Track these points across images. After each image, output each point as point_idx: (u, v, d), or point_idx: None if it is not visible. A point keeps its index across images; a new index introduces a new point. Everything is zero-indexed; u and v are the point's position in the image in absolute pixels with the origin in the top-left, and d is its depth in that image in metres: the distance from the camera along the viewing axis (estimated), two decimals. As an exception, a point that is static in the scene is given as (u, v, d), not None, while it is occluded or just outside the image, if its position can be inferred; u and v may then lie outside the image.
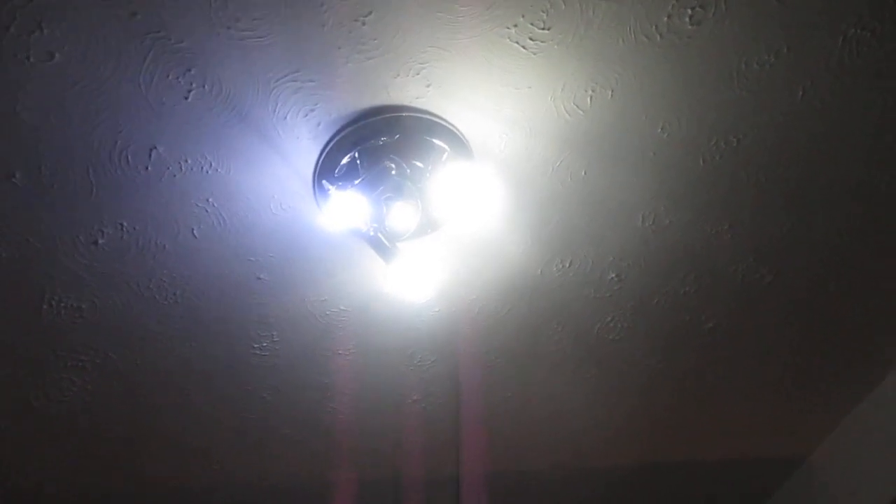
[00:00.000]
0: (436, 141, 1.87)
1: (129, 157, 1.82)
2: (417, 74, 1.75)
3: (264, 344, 2.41)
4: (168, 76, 1.67)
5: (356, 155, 1.86)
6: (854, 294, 2.54)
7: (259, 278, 2.18)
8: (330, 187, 1.86)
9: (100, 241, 1.99)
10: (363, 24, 1.63)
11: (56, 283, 2.08)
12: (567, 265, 2.30)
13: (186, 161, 1.85)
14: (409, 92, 1.78)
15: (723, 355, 2.76)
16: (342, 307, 2.33)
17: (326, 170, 1.88)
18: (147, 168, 1.85)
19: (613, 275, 2.36)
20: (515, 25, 1.67)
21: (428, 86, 1.77)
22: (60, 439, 2.66)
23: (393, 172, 1.85)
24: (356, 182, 1.86)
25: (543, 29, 1.68)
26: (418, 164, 1.89)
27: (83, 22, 1.55)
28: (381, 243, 1.90)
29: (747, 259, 2.36)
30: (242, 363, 2.47)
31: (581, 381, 2.77)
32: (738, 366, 2.82)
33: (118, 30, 1.57)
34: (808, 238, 2.31)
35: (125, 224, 1.96)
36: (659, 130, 1.96)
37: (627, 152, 2.00)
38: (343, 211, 1.85)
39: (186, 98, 1.71)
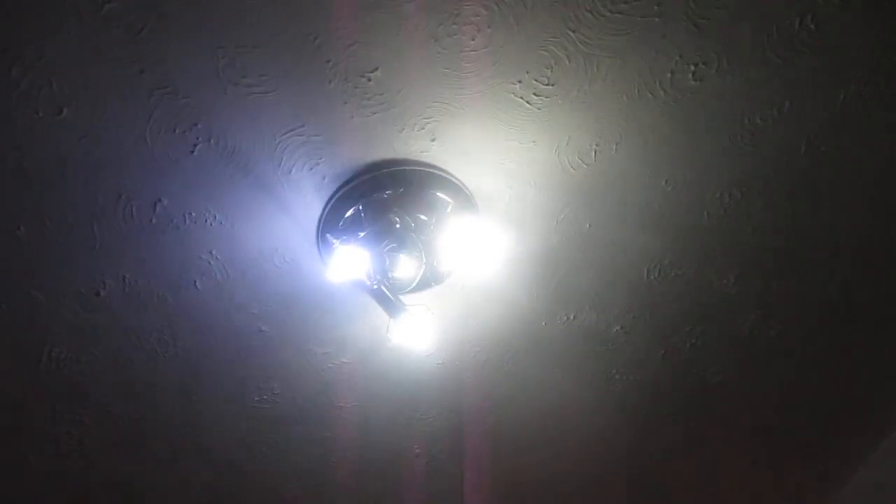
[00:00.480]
0: (440, 194, 1.87)
1: (134, 210, 1.82)
2: (422, 129, 1.76)
3: (265, 397, 2.38)
4: (174, 130, 1.68)
5: (360, 208, 1.87)
6: (860, 348, 2.52)
7: (261, 330, 2.17)
8: (334, 241, 1.86)
9: (101, 293, 1.98)
10: (369, 79, 1.65)
11: (56, 335, 2.06)
12: (572, 318, 2.29)
13: (191, 214, 1.85)
14: (414, 146, 1.80)
15: (728, 410, 2.72)
16: (344, 360, 2.31)
17: (330, 223, 1.89)
18: (151, 221, 1.85)
19: (618, 327, 2.34)
20: (520, 81, 1.69)
21: (433, 140, 1.79)
22: (56, 496, 2.61)
23: (397, 226, 1.86)
24: (360, 235, 1.86)
25: (548, 85, 1.70)
26: (422, 217, 1.89)
27: (91, 78, 1.56)
28: (385, 296, 1.89)
29: (754, 312, 2.35)
30: (243, 417, 2.43)
31: (587, 435, 2.73)
32: (740, 420, 2.78)
33: (125, 86, 1.58)
34: (815, 291, 2.30)
35: (127, 276, 1.96)
36: (663, 184, 1.96)
37: (632, 205, 2.00)
38: (346, 264, 1.84)
39: (192, 152, 1.72)
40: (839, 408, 2.77)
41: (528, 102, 1.73)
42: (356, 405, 2.48)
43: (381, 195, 1.85)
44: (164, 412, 2.36)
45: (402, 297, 1.93)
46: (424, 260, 1.92)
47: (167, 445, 2.48)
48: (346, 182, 1.83)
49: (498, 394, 2.53)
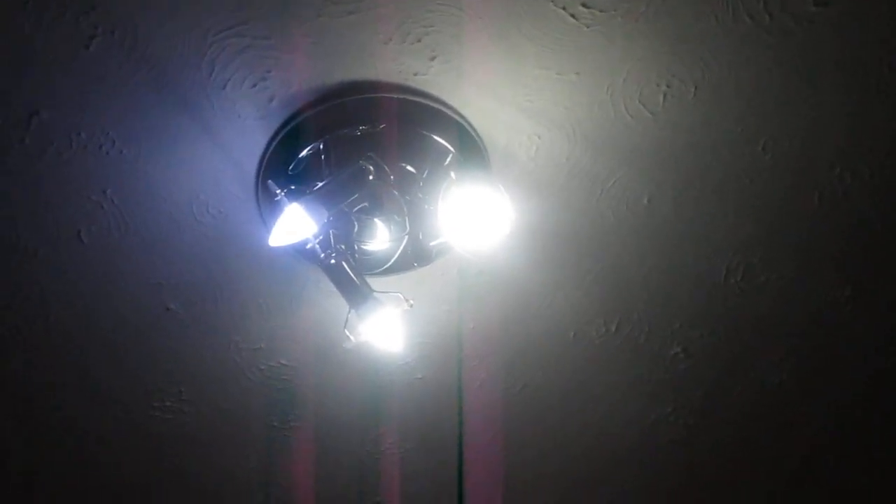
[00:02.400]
0: (437, 138, 1.89)
1: (0, 122, 1.84)
2: (418, 41, 1.77)
3: (167, 403, 2.42)
4: (64, 15, 1.68)
5: (321, 147, 1.88)
6: None
7: (168, 309, 2.20)
8: (279, 191, 1.87)
9: (-54, 238, 2.02)
10: (347, -38, 1.66)
11: None
12: (613, 329, 2.31)
13: (79, 135, 1.87)
14: (406, 65, 1.80)
15: (831, 483, 2.76)
16: (283, 361, 2.34)
17: (277, 165, 1.91)
18: (23, 140, 1.86)
19: (679, 349, 2.36)
20: (565, -17, 1.70)
21: (432, 59, 1.79)
22: None
23: (371, 177, 1.86)
24: (317, 187, 1.87)
25: (604, -8, 1.71)
26: (409, 168, 1.91)
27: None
28: (346, 276, 1.91)
29: (875, 338, 2.36)
30: (134, 428, 2.47)
31: (619, 493, 2.77)
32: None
33: (-1, -55, 1.60)
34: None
35: (-16, 216, 1.99)
36: (760, 149, 1.97)
37: (713, 176, 2.02)
38: (295, 225, 1.85)
39: (87, 47, 1.73)
40: None
41: (573, 15, 1.73)
42: (295, 426, 2.52)
43: (352, 131, 1.87)
44: (27, 409, 2.40)
45: (370, 280, 1.94)
46: (408, 229, 1.93)
47: (27, 454, 2.52)
48: (303, 108, 1.85)
49: (498, 430, 2.56)
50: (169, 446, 2.54)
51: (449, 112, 1.87)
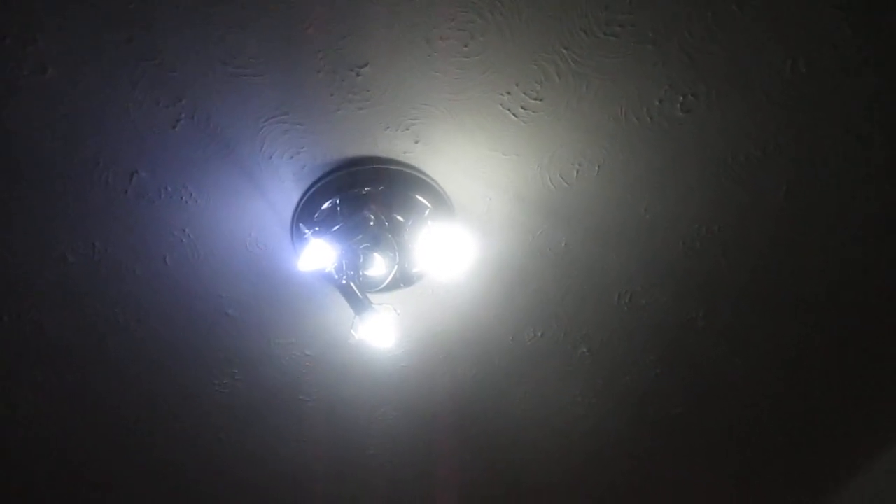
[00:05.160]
0: (419, 197, 1.87)
1: (110, 178, 1.80)
2: (407, 130, 1.75)
3: (225, 381, 2.36)
4: (158, 103, 1.66)
5: (337, 201, 1.86)
6: (828, 393, 2.52)
7: (227, 314, 2.15)
8: (307, 231, 1.85)
9: (70, 259, 1.96)
10: (358, 74, 1.64)
11: (20, 296, 2.03)
12: (539, 335, 2.28)
13: (167, 189, 1.83)
14: (398, 146, 1.79)
15: (687, 444, 2.72)
16: (307, 352, 2.29)
17: (306, 213, 1.88)
18: (126, 191, 1.83)
19: (585, 349, 2.33)
20: (509, 93, 1.69)
21: (416, 142, 1.78)
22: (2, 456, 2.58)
23: (372, 223, 1.84)
24: (334, 229, 1.84)
25: (536, 99, 1.70)
26: (399, 217, 1.88)
27: (79, 40, 1.55)
28: (353, 293, 1.88)
29: (720, 349, 2.35)
30: (200, 398, 2.41)
31: (543, 451, 2.72)
32: (700, 455, 2.78)
33: (113, 51, 1.57)
34: (784, 335, 2.30)
35: (97, 244, 1.94)
36: (643, 211, 1.96)
37: (609, 229, 2.00)
38: (318, 255, 1.83)
39: (174, 127, 1.71)
40: (805, 452, 2.77)
41: (514, 115, 1.73)
42: (316, 399, 2.47)
43: (359, 191, 1.84)
44: (120, 383, 2.33)
45: (370, 296, 1.91)
46: (397, 260, 1.90)
47: (120, 418, 2.45)
48: (326, 174, 1.82)
49: (461, 402, 2.52)
50: (223, 414, 2.48)
51: (427, 179, 1.85)
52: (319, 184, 1.83)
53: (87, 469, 2.65)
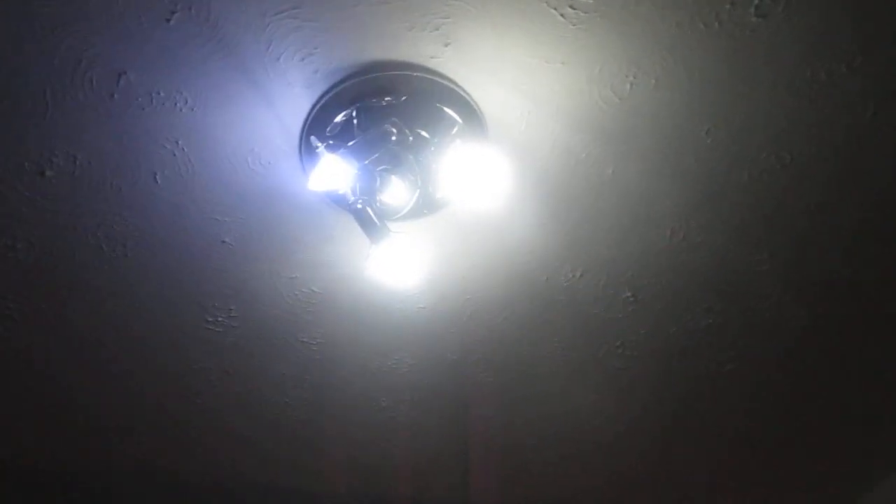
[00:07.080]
0: (447, 110, 1.86)
1: (94, 79, 1.80)
2: (436, 30, 1.73)
3: (219, 318, 2.40)
4: (151, -7, 1.65)
5: (354, 113, 1.85)
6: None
7: (223, 241, 2.17)
8: (319, 145, 1.85)
9: (47, 173, 1.97)
10: (382, -38, 1.62)
11: (-10, 214, 2.06)
12: (578, 275, 2.29)
13: (159, 93, 1.83)
14: (424, 49, 1.77)
15: (739, 405, 2.75)
16: (314, 289, 2.32)
17: (317, 125, 1.87)
18: (113, 95, 1.83)
19: (629, 294, 2.35)
20: (558, -12, 1.66)
21: (446, 45, 1.76)
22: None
23: (393, 139, 1.84)
24: (349, 144, 1.84)
25: (588, -3, 1.68)
26: (424, 133, 1.88)
27: (61, -85, 1.53)
28: (369, 219, 1.88)
29: (784, 297, 2.35)
30: (191, 336, 2.45)
31: (575, 409, 2.76)
32: (756, 417, 2.82)
33: (100, -71, 1.55)
34: (858, 281, 2.30)
35: (79, 157, 1.95)
36: (704, 134, 1.95)
37: (665, 154, 1.99)
38: (330, 175, 1.83)
39: (168, 20, 1.69)
40: (874, 405, 2.81)
41: (562, 15, 1.70)
42: (321, 342, 2.50)
43: (379, 101, 1.84)
44: (101, 317, 2.37)
45: (388, 224, 1.92)
46: (420, 184, 1.91)
47: (100, 355, 2.51)
48: (341, 80, 1.81)
49: (483, 351, 2.55)
50: (217, 353, 2.53)
51: (458, 90, 1.84)
52: (333, 91, 1.82)
53: (64, 408, 2.72)
